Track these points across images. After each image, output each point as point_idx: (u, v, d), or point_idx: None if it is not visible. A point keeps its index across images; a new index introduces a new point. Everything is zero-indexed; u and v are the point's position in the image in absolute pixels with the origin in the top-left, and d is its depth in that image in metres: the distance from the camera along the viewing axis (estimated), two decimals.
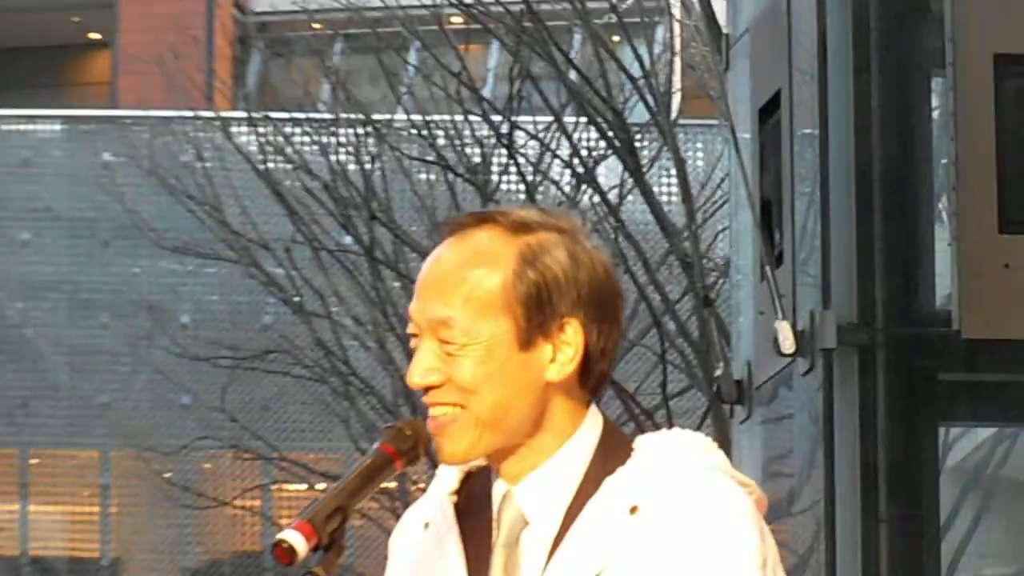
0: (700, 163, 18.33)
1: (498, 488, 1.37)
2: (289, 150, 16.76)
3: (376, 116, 16.40)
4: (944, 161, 5.04)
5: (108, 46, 26.81)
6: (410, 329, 1.37)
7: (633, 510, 1.29)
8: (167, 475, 20.41)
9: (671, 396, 13.83)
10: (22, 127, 23.40)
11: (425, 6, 15.88)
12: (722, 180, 13.08)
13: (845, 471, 5.03)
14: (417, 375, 1.33)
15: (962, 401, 5.30)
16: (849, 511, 4.99)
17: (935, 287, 5.10)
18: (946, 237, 4.99)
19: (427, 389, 1.33)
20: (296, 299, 16.70)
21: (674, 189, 15.20)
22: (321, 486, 16.20)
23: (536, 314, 1.30)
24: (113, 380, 21.87)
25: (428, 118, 15.93)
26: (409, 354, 1.37)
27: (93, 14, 26.97)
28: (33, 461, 22.60)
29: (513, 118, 15.21)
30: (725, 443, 6.70)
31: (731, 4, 6.59)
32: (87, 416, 21.73)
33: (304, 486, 18.93)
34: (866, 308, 5.02)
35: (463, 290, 1.30)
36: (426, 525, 1.42)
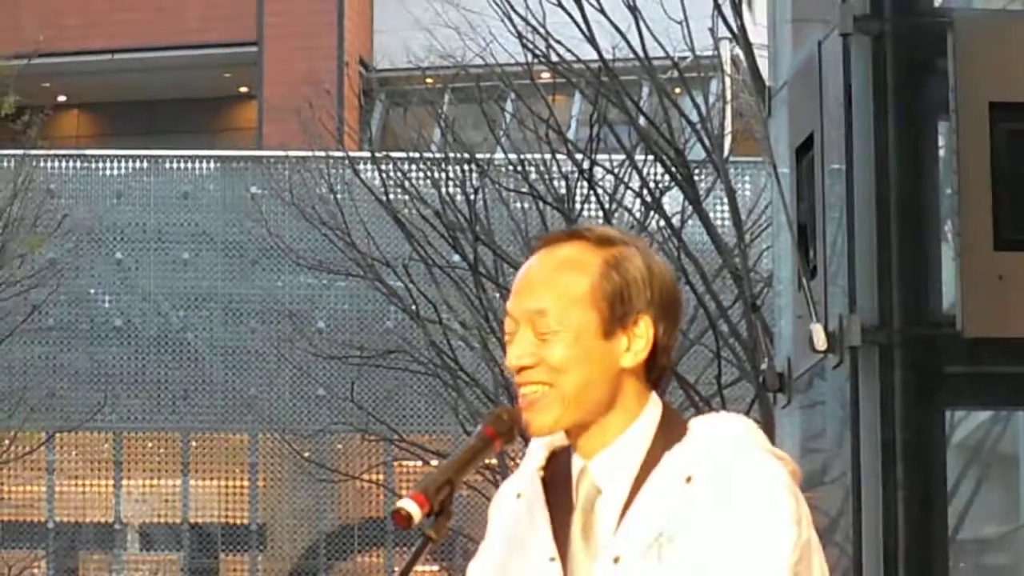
0: (748, 193, 18.26)
1: (576, 463, 1.39)
2: (406, 184, 16.96)
3: (479, 155, 16.56)
4: (948, 191, 5.07)
5: (254, 98, 26.92)
6: (507, 327, 1.41)
7: (688, 479, 1.32)
8: (306, 454, 20.72)
9: (724, 386, 13.84)
10: (183, 165, 23.73)
11: (519, 64, 15.97)
12: (766, 207, 13.09)
13: (868, 448, 5.01)
14: (514, 357, 1.36)
15: (964, 389, 5.29)
16: (872, 481, 4.98)
17: (942, 295, 5.09)
18: (951, 254, 5.01)
19: (520, 370, 1.36)
20: (412, 307, 16.85)
21: (726, 215, 15.10)
22: (434, 463, 16.14)
23: (618, 309, 1.34)
24: (260, 376, 22.12)
25: (522, 156, 16.17)
26: (506, 350, 1.40)
27: (242, 71, 27.11)
28: (193, 444, 22.92)
29: (592, 156, 15.38)
30: (769, 425, 6.81)
31: (772, 61, 6.61)
32: (238, 405, 21.93)
33: (420, 463, 19.06)
34: (885, 312, 4.99)
35: (557, 288, 1.35)
36: (518, 495, 1.44)
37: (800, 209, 5.46)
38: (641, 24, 14.12)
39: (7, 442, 19.95)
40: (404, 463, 20.84)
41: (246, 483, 22.81)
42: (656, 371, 1.41)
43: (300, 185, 18.55)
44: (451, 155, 16.72)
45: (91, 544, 22.70)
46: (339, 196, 17.99)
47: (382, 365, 18.27)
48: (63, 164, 23.38)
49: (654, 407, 1.40)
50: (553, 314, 1.35)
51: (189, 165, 23.89)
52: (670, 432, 1.37)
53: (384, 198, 16.97)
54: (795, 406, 5.84)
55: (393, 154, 18.02)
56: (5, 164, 20.60)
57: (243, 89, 28.14)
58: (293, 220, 18.80)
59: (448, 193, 16.39)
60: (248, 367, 22.43)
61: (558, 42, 14.88)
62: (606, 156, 15.83)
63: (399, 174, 17.18)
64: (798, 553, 1.33)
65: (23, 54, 19.76)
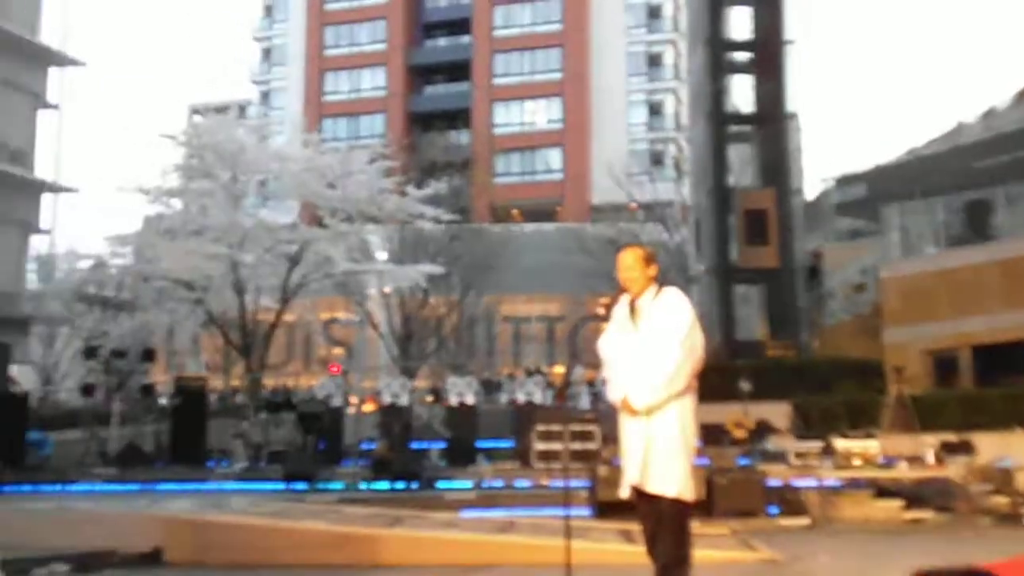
0: None
1: (636, 301, 6.10)
2: None
3: None
4: None
5: None
6: (622, 276, 6.20)
7: (657, 298, 6.10)
8: None
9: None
10: None
11: None
12: None
13: None
14: (628, 278, 6.14)
15: None
16: None
17: None
18: None
19: (628, 282, 6.08)
20: None
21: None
22: None
23: (651, 266, 6.11)
24: None
25: None
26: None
27: None
28: None
29: None
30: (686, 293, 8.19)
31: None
32: None
33: None
34: None
35: (639, 260, 6.15)
36: (620, 308, 6.20)
37: None
38: None
39: None
40: None
41: None
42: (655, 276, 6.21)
43: None
44: None
45: None
46: None
47: None
48: None
49: (655, 285, 6.16)
50: (638, 268, 6.18)
51: None
52: (658, 291, 6.13)
53: None
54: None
55: None
56: None
57: None
58: None
59: None
60: None
61: None
62: None
63: None
64: (691, 325, 6.00)
65: None
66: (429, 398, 26.86)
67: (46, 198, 34.56)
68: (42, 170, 34.21)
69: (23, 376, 31.67)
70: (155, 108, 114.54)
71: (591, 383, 27.90)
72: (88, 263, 32.08)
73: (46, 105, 34.77)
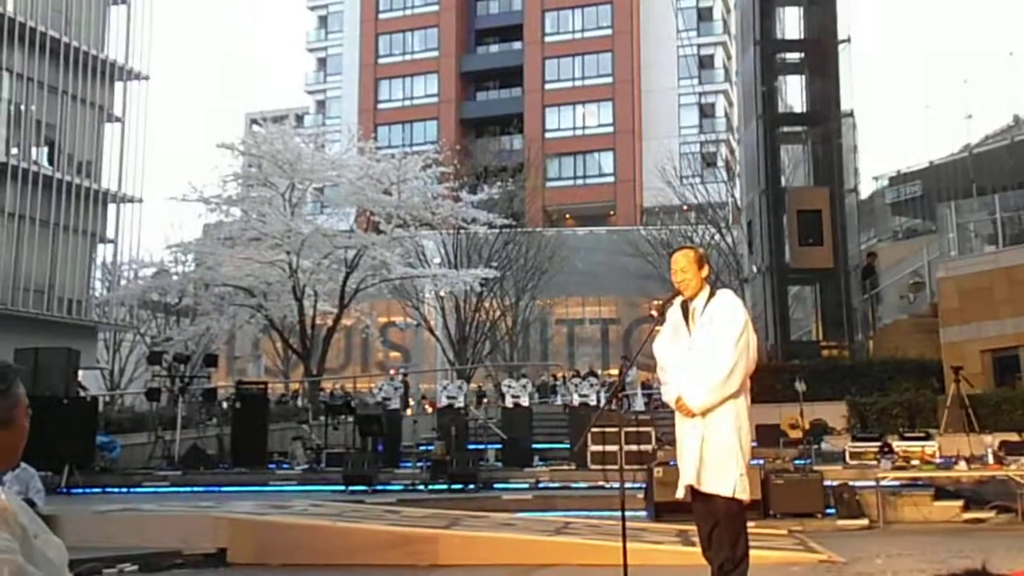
0: None
1: (690, 303, 6.03)
2: None
3: None
4: None
5: None
6: (676, 279, 6.14)
7: (713, 302, 6.04)
8: None
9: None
10: None
11: None
12: None
13: None
14: (683, 280, 6.07)
15: None
16: None
17: None
18: None
19: (682, 283, 6.04)
20: None
21: None
22: None
23: (704, 267, 6.10)
24: None
25: None
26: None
27: None
28: None
29: None
30: (740, 296, 8.14)
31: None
32: None
33: None
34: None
35: (692, 262, 6.09)
36: (675, 310, 6.10)
37: None
38: None
39: None
40: None
41: None
42: (707, 277, 6.25)
43: None
44: None
45: None
46: None
47: None
48: None
49: (707, 286, 6.15)
50: (691, 270, 6.11)
51: None
52: (711, 293, 6.08)
53: None
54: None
55: None
56: None
57: None
58: None
59: None
60: None
61: None
62: None
63: None
64: (745, 325, 5.95)
65: None
66: (485, 400, 26.95)
67: (111, 208, 35.26)
68: (108, 181, 34.90)
69: (90, 381, 32.31)
70: (215, 119, 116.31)
71: (646, 385, 27.79)
72: (151, 271, 32.68)
73: (111, 119, 35.47)
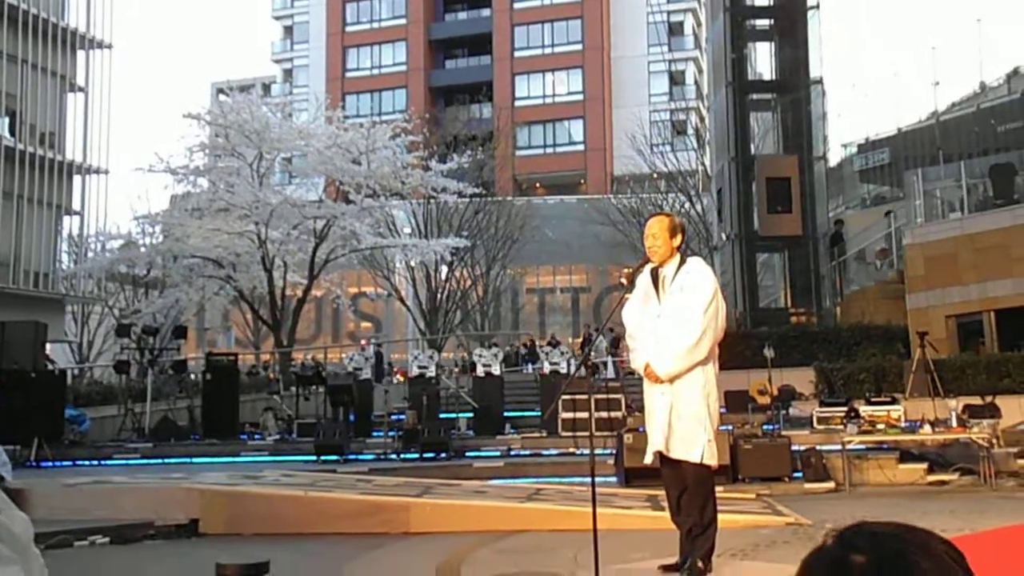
0: None
1: (660, 270, 6.05)
2: None
3: None
4: None
5: None
6: (648, 244, 6.22)
7: (684, 270, 6.09)
8: None
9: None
10: None
11: None
12: None
13: None
14: (652, 246, 6.13)
15: None
16: None
17: None
18: None
19: (651, 249, 6.06)
20: None
21: None
22: None
23: (677, 236, 6.12)
24: None
25: None
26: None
27: None
28: None
29: None
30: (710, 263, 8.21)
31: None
32: None
33: None
34: None
35: (665, 229, 6.14)
36: (644, 276, 6.19)
37: None
38: None
39: None
40: None
41: None
42: (679, 246, 6.25)
43: None
44: None
45: None
46: None
47: None
48: None
49: (679, 255, 6.20)
50: (663, 236, 6.15)
51: None
52: (682, 260, 6.16)
53: None
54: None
55: None
56: None
57: None
58: None
59: None
60: None
61: None
62: None
63: None
64: (714, 293, 6.02)
65: None
66: (456, 369, 27.00)
67: (76, 180, 34.83)
68: (72, 152, 34.45)
69: (58, 354, 32.05)
70: (179, 88, 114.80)
71: (615, 352, 27.95)
72: (119, 243, 32.35)
73: (74, 88, 34.95)
